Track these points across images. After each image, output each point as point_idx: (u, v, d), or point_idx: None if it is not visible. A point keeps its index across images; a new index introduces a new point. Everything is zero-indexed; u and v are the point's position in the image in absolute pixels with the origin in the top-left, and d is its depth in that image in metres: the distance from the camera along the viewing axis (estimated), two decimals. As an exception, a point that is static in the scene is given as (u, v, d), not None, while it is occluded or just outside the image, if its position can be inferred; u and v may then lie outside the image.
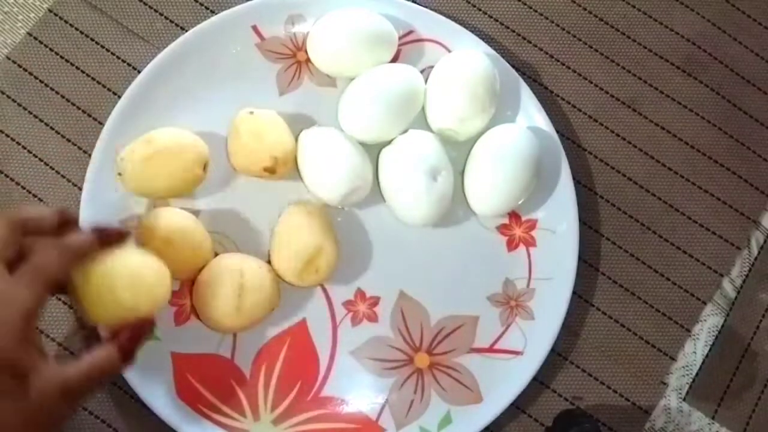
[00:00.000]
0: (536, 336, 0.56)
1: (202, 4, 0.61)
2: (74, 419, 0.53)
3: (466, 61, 0.56)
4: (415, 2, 0.60)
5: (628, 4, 0.64)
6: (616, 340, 0.58)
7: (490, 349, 0.56)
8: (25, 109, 0.58)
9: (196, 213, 0.55)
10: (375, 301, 0.56)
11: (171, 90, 0.56)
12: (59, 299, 0.55)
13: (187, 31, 0.57)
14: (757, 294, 0.61)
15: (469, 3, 0.63)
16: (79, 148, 0.57)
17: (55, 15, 0.59)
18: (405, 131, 0.56)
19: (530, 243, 0.58)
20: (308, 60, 0.58)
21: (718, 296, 0.60)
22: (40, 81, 0.58)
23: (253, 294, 0.51)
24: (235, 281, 0.51)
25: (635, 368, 0.58)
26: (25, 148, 0.57)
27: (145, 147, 0.52)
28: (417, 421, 0.54)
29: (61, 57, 0.59)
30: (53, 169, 0.57)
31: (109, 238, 0.43)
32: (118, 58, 0.59)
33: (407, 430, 0.54)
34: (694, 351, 0.59)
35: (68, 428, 0.53)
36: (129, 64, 0.59)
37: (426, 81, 0.57)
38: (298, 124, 0.57)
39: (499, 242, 0.58)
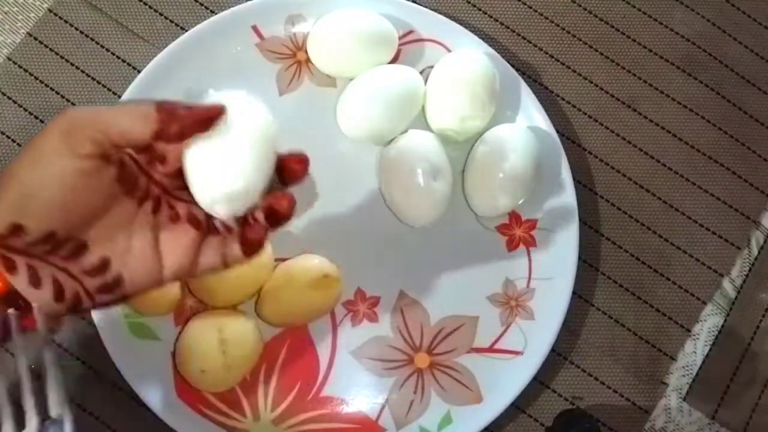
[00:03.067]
0: (536, 336, 0.56)
1: (202, 4, 0.61)
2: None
3: (466, 61, 0.56)
4: (415, 2, 0.60)
5: (628, 4, 0.64)
6: (616, 340, 0.58)
7: (490, 349, 0.56)
8: (25, 109, 0.58)
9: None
10: (375, 301, 0.56)
11: (171, 90, 0.56)
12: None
13: (187, 31, 0.57)
14: (757, 294, 0.61)
15: (469, 3, 0.63)
16: (79, 148, 0.57)
17: (55, 15, 0.59)
18: (405, 131, 0.56)
19: (530, 243, 0.58)
20: (308, 60, 0.58)
21: (718, 296, 0.60)
22: (40, 81, 0.58)
23: (236, 348, 0.51)
24: (215, 338, 0.51)
25: (635, 368, 0.58)
26: (25, 148, 0.57)
27: None
28: (417, 421, 0.54)
29: (61, 57, 0.59)
30: (53, 169, 0.57)
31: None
32: (118, 58, 0.59)
33: (407, 430, 0.54)
34: (694, 351, 0.59)
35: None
36: (129, 64, 0.59)
37: (426, 81, 0.57)
38: (298, 124, 0.57)
39: (499, 242, 0.58)
